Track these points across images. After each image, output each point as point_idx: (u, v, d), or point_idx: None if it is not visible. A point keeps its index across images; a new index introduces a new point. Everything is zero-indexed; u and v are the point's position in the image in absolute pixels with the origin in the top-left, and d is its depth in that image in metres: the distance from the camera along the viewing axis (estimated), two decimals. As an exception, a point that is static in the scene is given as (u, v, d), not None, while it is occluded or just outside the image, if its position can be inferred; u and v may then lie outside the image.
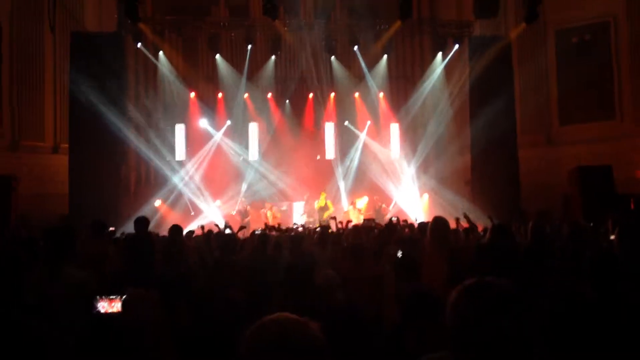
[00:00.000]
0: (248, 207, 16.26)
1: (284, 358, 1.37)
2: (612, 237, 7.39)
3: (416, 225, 10.08)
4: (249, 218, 15.51)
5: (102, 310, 2.06)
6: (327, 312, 3.23)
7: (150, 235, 6.94)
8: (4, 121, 15.50)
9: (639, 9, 15.95)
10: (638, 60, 15.99)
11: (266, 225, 11.60)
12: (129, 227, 9.71)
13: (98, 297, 2.09)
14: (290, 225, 12.94)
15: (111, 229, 9.76)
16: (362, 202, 16.57)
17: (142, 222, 6.81)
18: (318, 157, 17.84)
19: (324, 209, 15.74)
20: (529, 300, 1.74)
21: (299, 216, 16.40)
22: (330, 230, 9.31)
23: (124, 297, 2.11)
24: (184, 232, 8.57)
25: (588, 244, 5.47)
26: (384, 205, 16.50)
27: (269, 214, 15.85)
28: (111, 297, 2.08)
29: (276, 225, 13.16)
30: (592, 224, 8.16)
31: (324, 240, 7.25)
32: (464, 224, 9.55)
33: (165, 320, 2.20)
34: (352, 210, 15.95)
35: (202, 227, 9.90)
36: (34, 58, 15.87)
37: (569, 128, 17.12)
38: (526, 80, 17.23)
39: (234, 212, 16.16)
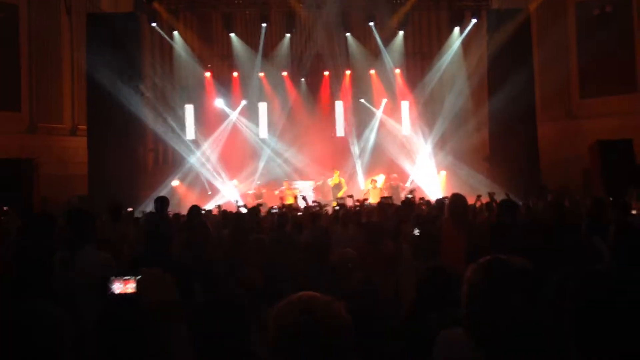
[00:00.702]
0: (263, 190, 16.22)
1: (312, 336, 1.38)
2: (634, 212, 7.31)
3: (433, 202, 10.06)
4: (261, 200, 15.44)
5: (117, 291, 2.08)
6: (344, 290, 3.24)
7: (168, 216, 6.98)
8: (23, 104, 15.65)
9: (663, -22, 15.51)
10: (661, 32, 15.60)
11: (283, 204, 11.62)
12: (148, 207, 9.82)
13: (112, 277, 2.10)
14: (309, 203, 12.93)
15: (129, 209, 9.84)
16: (380, 180, 16.50)
17: (162, 202, 6.85)
18: (334, 135, 17.72)
19: (338, 186, 15.68)
20: (542, 278, 1.74)
21: (309, 192, 16.30)
22: (348, 209, 9.32)
23: (138, 277, 2.12)
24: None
25: (609, 218, 5.40)
26: (401, 184, 16.39)
27: (288, 192, 15.85)
28: (126, 277, 2.09)
29: (294, 204, 13.20)
30: (612, 199, 8.06)
31: (346, 220, 7.24)
32: (484, 200, 9.51)
33: (180, 301, 2.21)
34: (373, 190, 15.87)
35: (219, 207, 9.97)
36: (51, 41, 15.94)
37: (590, 101, 16.82)
38: (546, 54, 16.90)
39: (250, 192, 16.19)
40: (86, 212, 3.86)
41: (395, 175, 16.43)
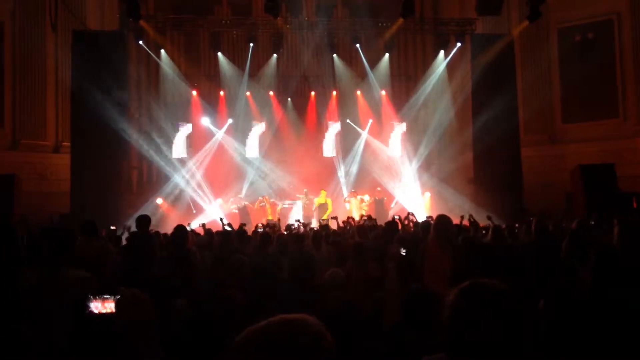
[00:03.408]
0: (247, 203, 16.13)
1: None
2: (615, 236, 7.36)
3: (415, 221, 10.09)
4: (248, 218, 15.35)
5: (95, 311, 2.03)
6: (326, 310, 3.21)
7: (150, 235, 6.91)
8: (6, 120, 15.52)
9: (643, 7, 15.87)
10: (641, 58, 15.92)
11: (267, 224, 11.56)
12: (131, 226, 9.73)
13: (91, 297, 2.06)
14: (290, 222, 12.89)
15: (112, 227, 9.75)
16: (365, 200, 16.55)
17: (144, 221, 6.80)
18: (320, 155, 17.72)
19: (323, 206, 15.65)
20: (525, 302, 1.74)
21: (299, 211, 16.25)
22: (331, 230, 9.30)
23: (117, 297, 2.08)
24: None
25: (591, 243, 5.44)
26: (385, 198, 16.40)
27: (267, 207, 15.79)
28: (104, 297, 2.06)
29: (277, 220, 13.15)
30: (593, 223, 8.12)
31: (318, 241, 7.25)
32: (466, 222, 9.58)
33: (158, 321, 2.17)
34: (354, 200, 15.89)
35: (204, 225, 9.89)
36: (36, 57, 15.85)
37: (572, 126, 17.06)
38: (529, 79, 17.16)
39: (235, 209, 16.09)
40: (65, 230, 3.79)
41: (379, 188, 16.45)
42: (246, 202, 16.15)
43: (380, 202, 16.08)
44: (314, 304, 3.79)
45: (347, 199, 16.30)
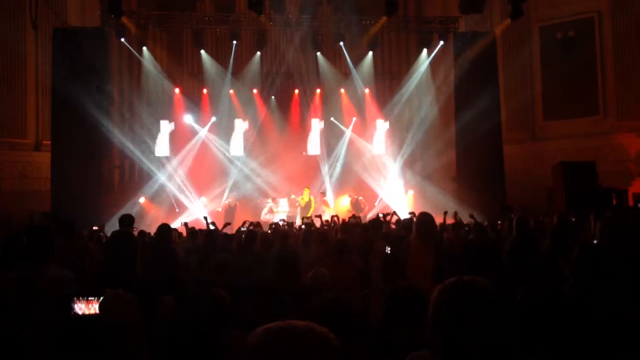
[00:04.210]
0: (237, 203, 16.07)
1: None
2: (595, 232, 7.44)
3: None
4: (232, 216, 15.27)
5: (79, 312, 2.01)
6: (315, 309, 3.21)
7: (133, 234, 6.85)
8: (-15, 118, 15.27)
9: (623, 5, 16.05)
10: (622, 56, 16.11)
11: (251, 222, 11.53)
12: (114, 225, 9.65)
13: (75, 298, 2.04)
14: (275, 221, 12.86)
15: (95, 227, 9.66)
16: (345, 201, 16.60)
17: (127, 220, 6.75)
18: (304, 153, 17.69)
19: (308, 205, 15.63)
20: (508, 299, 1.75)
21: (282, 212, 16.19)
22: (313, 227, 9.30)
23: (101, 298, 2.06)
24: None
25: (572, 239, 5.49)
26: (360, 198, 16.39)
27: (273, 208, 15.73)
28: (89, 298, 2.03)
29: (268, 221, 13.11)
30: (574, 219, 8.21)
31: (308, 240, 7.23)
32: (449, 219, 9.62)
33: (143, 321, 2.15)
34: (328, 210, 15.89)
35: (186, 224, 9.84)
36: (16, 54, 15.60)
37: (553, 124, 17.23)
38: (511, 76, 17.30)
39: (219, 209, 16.03)
40: (45, 229, 3.75)
41: (351, 194, 16.50)
42: (237, 202, 16.09)
43: (356, 204, 16.08)
44: (299, 302, 3.78)
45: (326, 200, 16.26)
